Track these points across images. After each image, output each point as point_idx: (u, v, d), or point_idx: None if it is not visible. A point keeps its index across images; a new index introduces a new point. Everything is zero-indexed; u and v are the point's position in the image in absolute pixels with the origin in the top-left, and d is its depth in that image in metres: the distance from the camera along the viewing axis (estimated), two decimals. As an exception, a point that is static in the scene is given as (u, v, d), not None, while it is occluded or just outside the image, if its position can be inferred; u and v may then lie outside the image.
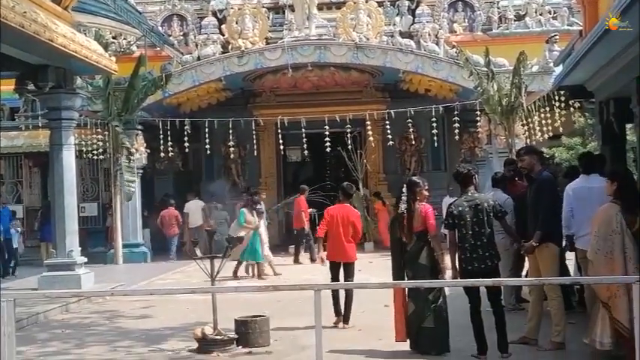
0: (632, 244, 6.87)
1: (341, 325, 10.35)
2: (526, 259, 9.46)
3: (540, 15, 24.53)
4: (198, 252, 9.70)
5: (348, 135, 20.89)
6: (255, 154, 22.95)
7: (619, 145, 12.33)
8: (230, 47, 21.88)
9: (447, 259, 8.31)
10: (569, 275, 10.37)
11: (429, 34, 22.34)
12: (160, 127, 20.66)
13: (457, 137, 21.14)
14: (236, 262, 16.21)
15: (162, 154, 21.17)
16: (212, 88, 22.54)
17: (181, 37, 24.71)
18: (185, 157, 24.25)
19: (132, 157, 20.45)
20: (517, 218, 9.72)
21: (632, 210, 7.00)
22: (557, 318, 8.34)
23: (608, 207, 7.11)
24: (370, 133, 21.32)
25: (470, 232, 7.97)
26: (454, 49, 20.96)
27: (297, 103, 23.54)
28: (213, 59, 21.49)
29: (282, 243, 23.34)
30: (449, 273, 8.24)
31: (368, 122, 21.54)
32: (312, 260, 18.54)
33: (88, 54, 13.70)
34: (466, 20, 24.91)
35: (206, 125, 21.07)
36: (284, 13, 24.44)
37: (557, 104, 18.24)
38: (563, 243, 9.07)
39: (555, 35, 20.70)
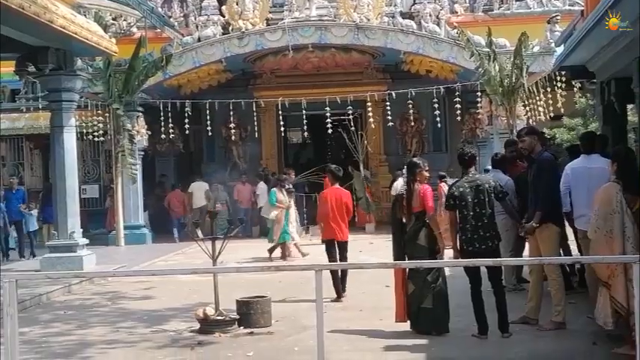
0: (631, 223, 6.88)
1: (344, 295, 10.89)
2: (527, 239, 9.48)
3: (542, -5, 24.42)
4: (199, 233, 9.72)
5: (349, 116, 20.88)
6: (256, 135, 22.95)
7: (620, 125, 12.31)
8: (230, 28, 21.81)
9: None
10: (572, 255, 10.39)
11: (430, 15, 22.27)
12: (161, 108, 20.65)
13: (458, 118, 21.13)
14: (279, 245, 16.26)
15: (163, 136, 21.19)
16: (212, 69, 22.49)
17: (181, 19, 24.62)
18: (186, 138, 24.25)
19: (134, 140, 20.46)
20: (518, 199, 9.74)
21: (632, 190, 7.00)
22: (558, 298, 8.37)
23: (609, 186, 7.11)
24: (371, 114, 21.30)
25: (471, 213, 7.99)
26: (455, 30, 20.89)
27: (298, 84, 23.51)
28: (213, 41, 21.43)
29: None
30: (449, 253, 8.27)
31: (369, 103, 21.53)
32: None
33: (88, 35, 13.67)
34: (467, 1, 24.78)
35: (207, 107, 21.06)
36: (284, -6, 24.34)
37: (558, 85, 18.26)
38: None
39: (557, 15, 20.63)
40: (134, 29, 23.31)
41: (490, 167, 11.71)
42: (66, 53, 14.54)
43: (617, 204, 6.90)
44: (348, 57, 22.50)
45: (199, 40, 21.59)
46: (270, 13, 22.64)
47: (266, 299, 9.48)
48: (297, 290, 11.57)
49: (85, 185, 22.37)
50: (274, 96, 22.64)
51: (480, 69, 19.14)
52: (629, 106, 12.91)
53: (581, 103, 20.76)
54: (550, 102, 19.12)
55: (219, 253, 9.28)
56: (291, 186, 17.24)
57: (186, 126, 21.01)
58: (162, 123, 20.53)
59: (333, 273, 10.77)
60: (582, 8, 13.69)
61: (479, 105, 20.62)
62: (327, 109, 20.29)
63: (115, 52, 15.70)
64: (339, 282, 10.84)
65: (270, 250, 16.42)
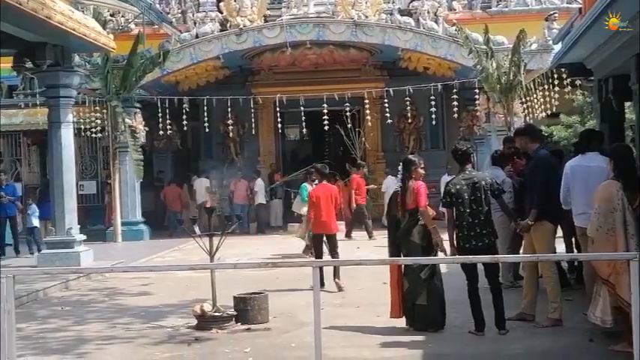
0: (633, 220, 6.88)
1: (337, 282, 11.34)
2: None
3: (540, -8, 24.43)
4: (197, 229, 9.72)
5: (347, 113, 20.89)
6: (254, 132, 22.98)
7: (618, 123, 12.33)
8: (228, 25, 21.81)
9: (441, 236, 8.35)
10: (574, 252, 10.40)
11: (428, 12, 22.26)
12: (159, 105, 20.65)
13: (456, 115, 21.14)
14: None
15: (160, 133, 21.18)
16: (210, 66, 22.49)
17: (179, 15, 24.58)
18: (184, 135, 24.25)
19: (136, 136, 20.47)
20: (517, 196, 9.77)
21: (632, 187, 7.01)
22: (553, 295, 8.39)
23: (609, 184, 7.10)
24: (368, 111, 21.34)
25: (467, 210, 7.99)
26: (453, 27, 20.91)
27: (296, 81, 23.50)
28: (211, 37, 21.44)
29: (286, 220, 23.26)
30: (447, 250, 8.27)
31: (366, 100, 21.53)
32: (370, 236, 18.93)
33: (85, 32, 13.65)
34: (465, -2, 24.79)
35: (205, 103, 21.09)
36: (282, -10, 24.34)
37: (556, 82, 18.25)
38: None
39: (555, 13, 20.65)
40: (132, 25, 23.28)
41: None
42: (64, 49, 14.52)
43: (618, 201, 6.89)
44: (345, 54, 22.50)
45: (197, 36, 21.58)
46: (268, 9, 22.64)
47: (263, 295, 9.49)
48: (294, 286, 11.59)
49: (82, 181, 22.35)
50: (272, 93, 22.63)
51: (478, 66, 19.16)
52: (627, 104, 12.91)
53: (578, 101, 20.77)
54: (547, 99, 19.13)
55: (217, 249, 9.28)
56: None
57: (184, 122, 21.01)
58: (160, 119, 20.52)
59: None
60: (580, 6, 13.72)
61: (476, 102, 20.65)
62: (325, 105, 20.29)
63: (113, 49, 15.68)
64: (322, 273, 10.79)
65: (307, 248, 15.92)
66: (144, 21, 21.92)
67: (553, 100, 18.94)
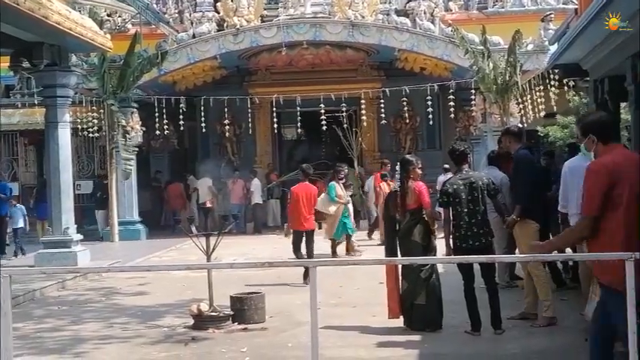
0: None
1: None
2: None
3: (536, -7, 24.47)
4: (194, 229, 9.74)
5: (344, 113, 20.91)
6: (251, 132, 22.99)
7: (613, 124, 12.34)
8: (225, 25, 21.82)
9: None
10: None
11: (425, 13, 22.28)
12: (156, 105, 20.66)
13: (452, 116, 21.18)
14: (331, 242, 15.60)
15: (157, 132, 21.20)
16: (207, 66, 22.50)
17: (176, 15, 24.58)
18: (180, 135, 24.26)
19: (128, 136, 20.46)
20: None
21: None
22: (544, 293, 8.45)
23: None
24: (365, 111, 21.35)
25: (465, 210, 8.02)
26: (450, 28, 20.94)
27: (293, 81, 23.51)
28: (208, 37, 21.44)
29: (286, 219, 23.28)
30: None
31: (363, 101, 21.55)
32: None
33: (82, 31, 13.66)
34: (462, -2, 24.83)
35: (201, 103, 21.09)
36: (279, -10, 24.36)
37: (551, 83, 18.29)
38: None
39: (551, 14, 20.71)
40: (129, 25, 23.27)
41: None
42: (60, 49, 14.53)
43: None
44: (342, 54, 22.52)
45: (194, 36, 21.59)
46: (265, 9, 22.68)
47: (260, 295, 9.51)
48: (291, 286, 11.62)
49: (79, 181, 22.34)
50: (269, 93, 22.66)
51: (474, 67, 19.20)
52: (623, 105, 12.93)
53: (574, 101, 20.82)
54: (543, 100, 19.18)
55: (214, 249, 9.30)
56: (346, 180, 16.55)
57: (181, 122, 21.03)
58: (157, 119, 20.53)
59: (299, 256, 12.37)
60: (576, 6, 13.76)
61: (473, 102, 20.67)
62: (322, 106, 20.33)
63: (110, 48, 15.69)
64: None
65: (334, 248, 15.60)
66: (141, 21, 21.92)
67: (549, 100, 18.99)
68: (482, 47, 19.16)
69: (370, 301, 10.07)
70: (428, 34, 21.12)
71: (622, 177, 4.93)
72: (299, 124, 21.32)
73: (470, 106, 21.04)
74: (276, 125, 22.31)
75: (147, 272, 13.25)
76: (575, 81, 17.18)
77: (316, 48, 21.98)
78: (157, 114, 20.54)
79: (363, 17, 21.24)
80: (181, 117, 20.82)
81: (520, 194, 8.39)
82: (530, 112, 19.55)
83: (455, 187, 8.10)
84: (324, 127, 20.82)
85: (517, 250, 9.34)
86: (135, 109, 21.28)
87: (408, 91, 20.93)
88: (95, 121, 20.63)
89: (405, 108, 21.53)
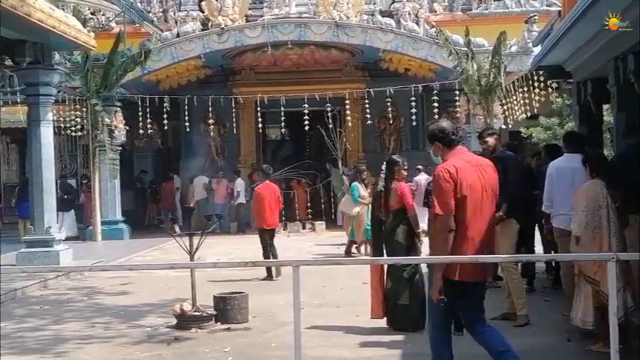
0: (615, 218, 6.96)
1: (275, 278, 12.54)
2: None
3: (520, -5, 24.57)
4: (177, 228, 9.71)
5: (328, 114, 20.92)
6: (235, 131, 22.95)
7: (596, 125, 12.44)
8: (210, 24, 21.77)
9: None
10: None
11: (409, 14, 22.30)
12: (139, 104, 20.59)
13: (436, 117, 21.18)
14: (349, 242, 15.72)
15: (141, 132, 21.13)
16: (191, 65, 22.44)
17: (161, 14, 24.49)
18: (164, 134, 24.20)
19: (114, 135, 20.39)
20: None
21: (613, 186, 7.08)
22: (518, 292, 8.53)
23: (595, 182, 7.16)
24: (349, 112, 21.36)
25: (450, 210, 8.03)
26: (434, 29, 20.99)
27: (277, 81, 23.50)
28: (192, 36, 21.38)
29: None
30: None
31: (347, 101, 21.56)
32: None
33: (66, 29, 13.59)
34: (446, 0, 24.89)
35: (185, 102, 21.05)
36: (264, -10, 24.34)
37: (535, 84, 18.38)
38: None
39: (534, 15, 20.79)
40: (113, 24, 23.17)
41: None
42: (44, 47, 14.43)
43: (603, 199, 6.98)
44: (327, 54, 22.52)
45: (178, 35, 21.52)
46: (249, 9, 22.64)
47: (243, 295, 9.50)
48: (274, 286, 11.61)
49: (62, 180, 22.22)
50: (253, 92, 22.64)
51: (458, 68, 19.25)
52: (605, 106, 13.03)
53: (557, 103, 20.94)
54: (527, 101, 19.27)
55: (197, 248, 9.28)
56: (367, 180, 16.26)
57: (165, 122, 20.97)
58: (141, 118, 20.46)
59: (267, 256, 13.05)
60: (560, 9, 13.81)
61: (457, 104, 20.71)
62: (306, 105, 20.34)
63: (94, 47, 15.62)
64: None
65: (349, 249, 15.76)
66: (125, 19, 21.82)
67: (533, 102, 19.08)
68: (466, 48, 19.22)
69: (354, 301, 10.07)
70: (412, 35, 21.16)
71: (464, 178, 5.38)
72: (283, 124, 21.32)
73: (454, 107, 21.09)
74: (260, 125, 22.31)
75: (129, 272, 13.19)
76: (558, 83, 17.31)
77: (301, 48, 21.97)
78: (140, 113, 20.47)
79: (348, 18, 21.25)
80: (165, 116, 20.77)
81: (509, 193, 8.39)
82: (515, 114, 19.62)
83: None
84: (309, 128, 20.84)
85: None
86: (118, 108, 21.20)
87: (392, 91, 20.96)
88: (78, 119, 20.51)
89: (389, 109, 21.55)
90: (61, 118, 20.24)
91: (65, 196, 20.78)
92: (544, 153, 10.94)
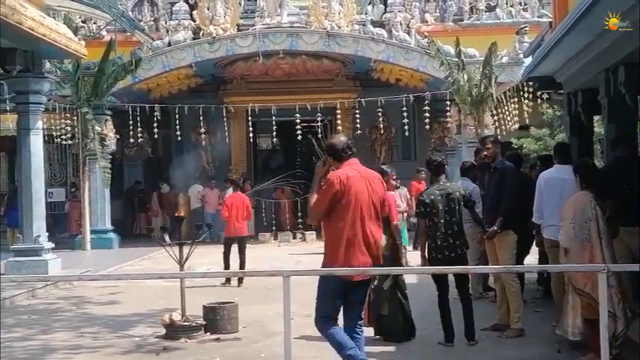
0: (606, 230, 6.95)
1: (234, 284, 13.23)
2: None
3: (511, 6, 24.67)
4: (167, 238, 9.66)
5: (319, 123, 20.89)
6: (226, 141, 22.92)
7: (586, 136, 12.46)
8: (201, 33, 21.77)
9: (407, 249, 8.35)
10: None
11: (401, 24, 22.34)
12: (130, 112, 20.54)
13: (427, 127, 21.25)
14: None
15: (131, 140, 21.09)
16: (182, 74, 22.42)
17: (152, 23, 24.48)
18: (155, 143, 24.15)
19: (105, 144, 20.32)
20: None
21: (602, 198, 7.08)
22: (516, 305, 8.48)
23: (583, 194, 7.16)
24: (340, 121, 21.37)
25: (441, 221, 8.00)
26: (425, 39, 21.03)
27: (268, 90, 23.50)
28: (183, 45, 21.37)
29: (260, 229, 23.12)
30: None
31: (339, 111, 21.58)
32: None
33: (56, 37, 13.54)
34: (437, 10, 24.96)
35: (176, 111, 21.00)
36: (256, 0, 24.34)
37: (526, 95, 18.43)
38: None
39: (525, 27, 20.87)
40: (104, 32, 23.15)
41: None
42: (34, 55, 14.38)
43: (592, 211, 6.97)
44: (318, 64, 22.54)
45: (170, 44, 21.51)
46: (241, 18, 22.63)
47: (233, 305, 9.45)
48: (264, 296, 11.55)
49: (51, 189, 22.14)
50: (244, 102, 22.61)
51: (450, 78, 19.28)
52: (596, 118, 13.06)
53: (548, 114, 20.99)
54: (518, 112, 19.31)
55: (187, 258, 9.24)
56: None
57: (155, 130, 20.91)
58: (131, 127, 20.40)
59: (227, 263, 13.80)
60: (551, 20, 13.84)
61: (448, 114, 20.75)
62: (297, 115, 20.33)
63: (84, 55, 15.58)
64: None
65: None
66: (116, 28, 21.80)
67: (524, 112, 19.13)
68: (457, 59, 19.25)
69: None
70: (404, 45, 21.20)
71: (352, 185, 6.09)
72: (274, 133, 21.30)
73: (445, 118, 21.13)
74: (251, 134, 22.28)
75: (119, 281, 13.14)
76: (549, 93, 17.36)
77: (292, 57, 21.99)
78: (131, 122, 20.42)
79: (340, 27, 21.28)
80: (156, 125, 20.71)
81: (505, 207, 8.37)
82: (506, 124, 19.66)
83: (432, 197, 8.08)
84: (300, 137, 20.82)
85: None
86: (109, 117, 21.16)
87: (383, 101, 20.98)
88: (68, 128, 20.44)
89: (381, 119, 21.58)
90: (52, 127, 20.16)
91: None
92: (539, 163, 10.93)
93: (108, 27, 22.69)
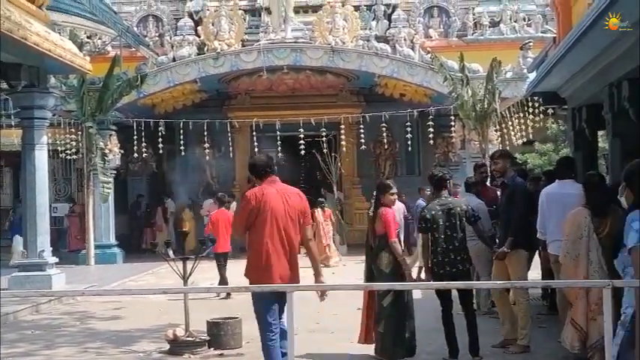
0: (595, 248, 6.92)
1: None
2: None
3: (515, 22, 24.75)
4: (170, 253, 9.65)
5: (323, 138, 20.92)
6: (230, 156, 22.94)
7: (591, 151, 12.44)
8: (206, 49, 21.82)
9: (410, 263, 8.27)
10: None
11: (405, 39, 22.41)
12: (134, 127, 20.56)
13: (431, 142, 21.24)
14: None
15: (136, 155, 21.07)
16: (187, 89, 22.47)
17: (157, 38, 24.60)
18: (159, 158, 24.16)
19: (106, 158, 20.33)
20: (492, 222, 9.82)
21: (600, 215, 7.03)
22: (524, 321, 8.44)
23: (579, 211, 7.15)
24: (344, 136, 21.39)
25: (442, 236, 7.97)
26: (429, 55, 21.07)
27: (273, 105, 23.53)
28: (188, 60, 21.42)
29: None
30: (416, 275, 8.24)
31: (343, 126, 21.59)
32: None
33: (62, 53, 13.58)
34: (441, 26, 25.06)
35: (181, 126, 21.03)
36: (260, 15, 24.48)
37: (530, 110, 18.42)
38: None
39: (529, 42, 20.88)
40: (109, 48, 23.25)
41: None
42: (39, 70, 14.42)
43: (585, 229, 6.95)
44: (322, 79, 22.57)
45: (174, 59, 21.56)
46: (245, 34, 22.71)
47: (237, 320, 9.42)
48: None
49: (55, 204, 22.15)
50: (248, 117, 22.65)
51: (454, 93, 19.28)
52: (600, 133, 13.04)
53: (552, 129, 20.99)
54: (522, 127, 19.30)
55: (190, 273, 9.22)
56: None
57: (160, 145, 20.94)
58: (136, 142, 20.43)
59: (224, 278, 14.56)
60: (554, 35, 13.87)
61: (452, 129, 20.76)
62: (301, 130, 20.34)
63: (89, 70, 15.61)
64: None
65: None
66: (121, 43, 21.89)
67: (528, 127, 19.12)
68: (461, 74, 19.26)
69: (348, 327, 9.97)
70: (408, 60, 21.23)
71: (268, 201, 6.74)
72: (279, 148, 21.32)
73: (449, 133, 21.14)
74: (255, 149, 22.28)
75: (122, 296, 13.10)
76: (553, 109, 17.33)
77: (296, 73, 22.03)
78: (135, 137, 20.45)
79: (344, 43, 21.33)
80: (160, 140, 20.74)
81: (515, 226, 8.34)
82: (510, 139, 19.65)
83: (433, 212, 8.05)
84: (304, 152, 20.82)
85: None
86: (113, 132, 21.20)
87: (387, 116, 20.99)
88: (73, 143, 20.47)
89: (385, 134, 21.60)
90: (56, 142, 20.19)
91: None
92: (544, 178, 10.89)
93: (113, 42, 22.78)
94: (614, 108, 9.51)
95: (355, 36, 21.84)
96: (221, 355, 8.83)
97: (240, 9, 23.14)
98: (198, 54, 21.81)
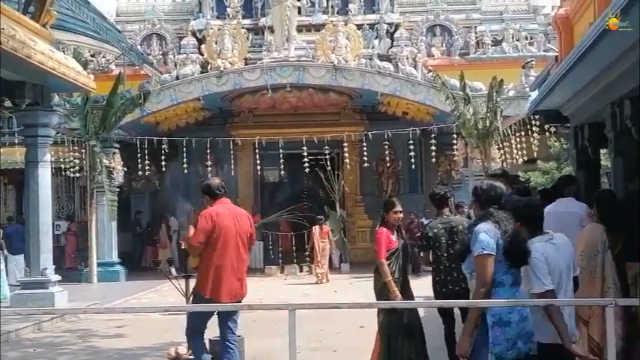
0: (609, 264, 6.92)
1: None
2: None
3: (517, 40, 24.86)
4: (173, 271, 9.66)
5: (326, 156, 20.96)
6: (233, 174, 22.96)
7: (593, 169, 12.44)
8: (209, 67, 21.93)
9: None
10: None
11: (407, 58, 22.50)
12: (138, 145, 20.62)
13: (434, 160, 21.27)
14: None
15: (139, 173, 21.12)
16: (190, 107, 22.54)
17: (160, 57, 24.72)
18: (162, 176, 24.19)
19: (112, 176, 20.39)
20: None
21: (615, 232, 7.03)
22: None
23: (594, 227, 7.13)
24: (347, 154, 21.42)
25: (445, 254, 7.95)
26: (431, 73, 21.14)
27: (276, 123, 23.61)
28: (191, 79, 21.51)
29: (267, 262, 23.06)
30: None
31: (345, 144, 21.65)
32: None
33: (65, 71, 13.64)
34: (444, 44, 25.18)
35: (184, 144, 21.08)
36: (263, 34, 24.60)
37: (532, 129, 18.44)
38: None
39: (531, 60, 20.95)
40: (113, 66, 23.37)
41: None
42: (43, 88, 14.48)
43: (601, 245, 6.95)
44: (325, 97, 22.64)
45: (178, 78, 21.65)
46: (248, 52, 22.83)
47: (239, 338, 9.39)
48: (271, 329, 11.50)
49: (58, 221, 22.17)
50: (251, 135, 22.71)
51: (456, 112, 19.31)
52: (603, 151, 13.05)
53: (555, 147, 20.99)
54: (524, 145, 19.32)
55: (192, 290, 9.20)
56: None
57: (163, 163, 20.98)
58: (139, 160, 20.47)
59: None
60: (557, 54, 13.91)
61: (454, 147, 20.78)
62: (304, 148, 20.37)
63: (93, 89, 15.66)
64: None
65: None
66: (125, 62, 21.99)
67: (530, 146, 19.14)
68: (462, 93, 19.31)
69: (351, 346, 9.98)
70: (410, 78, 21.29)
71: (222, 221, 7.40)
72: (282, 166, 21.36)
73: (451, 151, 21.16)
74: (258, 167, 22.33)
75: (125, 314, 13.08)
76: (555, 127, 17.35)
77: (299, 91, 22.10)
78: (138, 155, 20.50)
79: (347, 61, 21.42)
80: (163, 158, 20.78)
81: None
82: (512, 158, 19.67)
83: (435, 230, 8.05)
84: (307, 170, 20.86)
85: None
86: (117, 150, 21.26)
87: (390, 134, 21.05)
88: (77, 161, 20.52)
89: (387, 152, 21.66)
90: (60, 160, 20.24)
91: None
92: (540, 198, 10.88)
93: (117, 61, 22.90)
94: (616, 126, 9.53)
95: (358, 54, 21.94)
96: (223, 373, 8.79)
97: (243, 28, 23.30)
98: (202, 72, 21.91)
